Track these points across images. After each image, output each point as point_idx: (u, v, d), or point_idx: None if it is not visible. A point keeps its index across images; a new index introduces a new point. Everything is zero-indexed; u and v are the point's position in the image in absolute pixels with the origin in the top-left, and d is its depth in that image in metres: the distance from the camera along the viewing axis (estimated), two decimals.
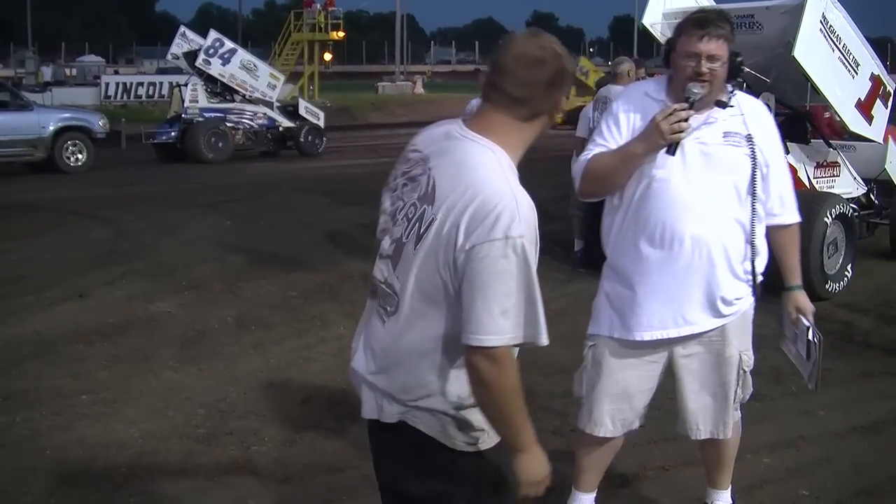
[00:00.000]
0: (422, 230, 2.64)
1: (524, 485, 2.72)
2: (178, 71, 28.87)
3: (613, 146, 4.05)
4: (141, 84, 44.63)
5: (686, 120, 3.84)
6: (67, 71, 54.57)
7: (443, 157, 2.71)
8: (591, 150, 4.12)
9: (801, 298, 4.16)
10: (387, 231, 2.79)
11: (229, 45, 23.94)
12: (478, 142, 2.68)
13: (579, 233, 10.64)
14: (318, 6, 42.43)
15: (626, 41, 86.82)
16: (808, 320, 4.15)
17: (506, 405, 2.63)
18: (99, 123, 21.60)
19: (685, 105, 3.85)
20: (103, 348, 7.51)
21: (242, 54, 24.09)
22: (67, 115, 21.97)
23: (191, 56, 23.77)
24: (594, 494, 4.51)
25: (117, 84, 44.03)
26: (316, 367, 6.92)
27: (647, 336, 4.05)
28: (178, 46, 24.56)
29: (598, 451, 4.40)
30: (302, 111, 25.11)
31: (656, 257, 3.98)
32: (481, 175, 2.60)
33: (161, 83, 42.96)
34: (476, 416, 2.72)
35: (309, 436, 5.63)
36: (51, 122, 20.68)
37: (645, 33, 11.22)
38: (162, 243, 11.86)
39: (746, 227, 4.02)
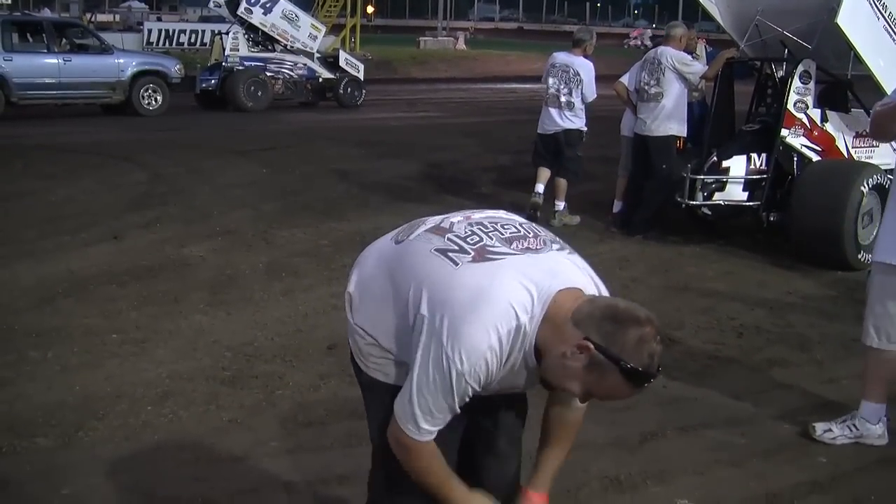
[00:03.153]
0: None
1: None
2: (220, 19, 28.85)
3: None
4: (183, 31, 44.59)
5: None
6: (112, 16, 54.77)
7: None
8: (889, 100, 4.76)
9: None
10: None
11: None
12: None
13: (620, 195, 10.62)
14: None
15: (672, 4, 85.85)
16: None
17: (421, 477, 2.82)
18: (174, 68, 22.05)
19: None
20: (135, 289, 7.60)
21: (284, 4, 24.03)
22: (145, 59, 22.71)
23: (233, 4, 23.76)
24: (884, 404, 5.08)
25: (160, 31, 44.04)
26: (343, 315, 6.91)
27: None
28: None
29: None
30: (342, 63, 25.04)
31: None
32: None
33: (203, 31, 42.92)
34: None
35: (332, 382, 5.68)
36: (129, 66, 21.17)
37: None
38: (197, 189, 11.95)
39: None
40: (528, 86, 34.37)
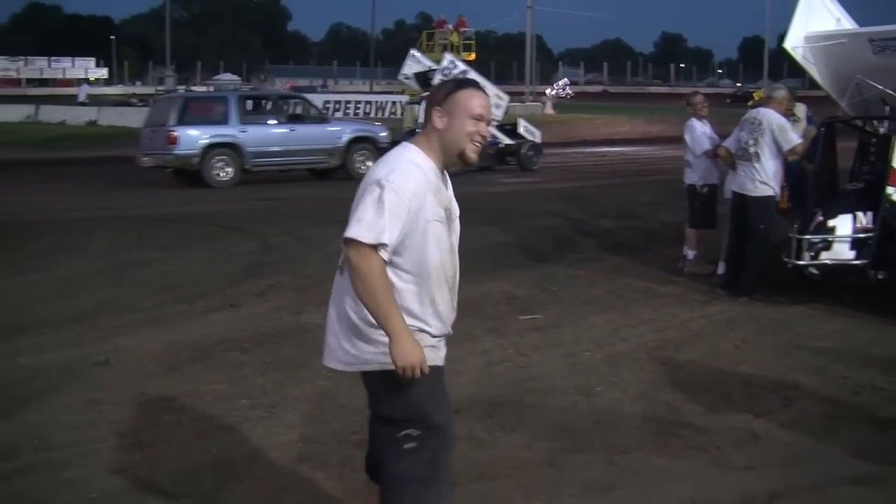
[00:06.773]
0: None
1: (398, 367, 3.59)
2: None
3: None
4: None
5: None
6: (206, 88, 56.27)
7: None
8: None
9: None
10: None
11: (461, 66, 25.56)
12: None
13: (724, 255, 10.66)
14: (451, 26, 42.84)
15: (756, 62, 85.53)
16: None
17: (371, 290, 3.54)
18: (381, 134, 23.51)
19: None
20: (258, 356, 7.86)
21: (473, 75, 24.87)
22: (359, 126, 24.52)
23: (421, 76, 25.36)
24: None
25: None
26: (464, 379, 7.06)
27: None
28: (409, 67, 26.24)
29: None
30: (521, 130, 26.31)
31: None
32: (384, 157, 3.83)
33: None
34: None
35: (461, 446, 5.76)
36: (345, 133, 22.84)
37: (780, 54, 11.27)
38: (308, 257, 12.28)
39: None
40: (618, 149, 34.50)
